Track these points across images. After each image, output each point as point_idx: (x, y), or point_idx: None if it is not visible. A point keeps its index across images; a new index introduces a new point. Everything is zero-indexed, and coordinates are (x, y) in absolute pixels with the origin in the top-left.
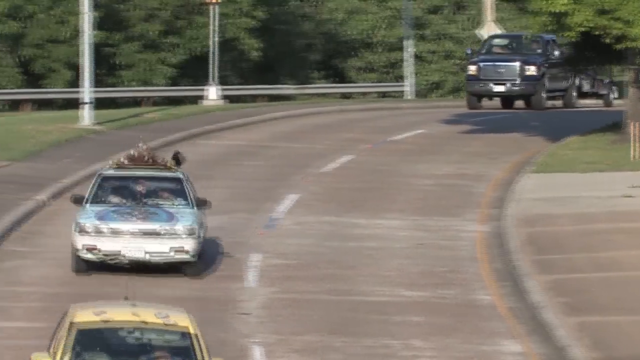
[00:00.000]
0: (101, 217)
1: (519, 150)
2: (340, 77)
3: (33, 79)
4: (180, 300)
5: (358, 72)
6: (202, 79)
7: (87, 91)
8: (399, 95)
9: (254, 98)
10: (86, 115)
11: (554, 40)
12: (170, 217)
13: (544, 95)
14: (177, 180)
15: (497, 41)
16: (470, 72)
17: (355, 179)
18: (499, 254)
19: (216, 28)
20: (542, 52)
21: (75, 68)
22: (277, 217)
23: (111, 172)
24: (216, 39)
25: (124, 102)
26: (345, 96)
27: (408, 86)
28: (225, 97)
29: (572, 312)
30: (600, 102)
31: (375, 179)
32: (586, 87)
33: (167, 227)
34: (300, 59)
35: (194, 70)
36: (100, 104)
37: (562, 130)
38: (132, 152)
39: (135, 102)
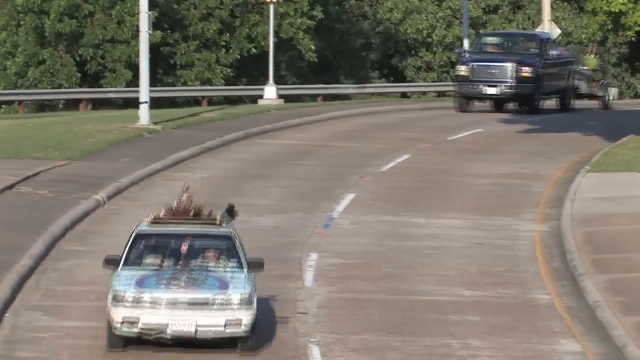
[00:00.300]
0: (140, 284)
1: (577, 150)
2: (398, 76)
3: (91, 79)
4: None
5: (417, 72)
6: (257, 79)
7: (145, 90)
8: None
9: (312, 97)
10: (144, 115)
11: (549, 39)
12: (223, 284)
13: (539, 97)
14: (228, 238)
15: (489, 40)
16: (461, 73)
17: (414, 178)
18: (557, 253)
19: (273, 27)
20: (537, 52)
21: (134, 68)
22: (336, 217)
23: (148, 228)
24: (274, 38)
25: (182, 102)
26: (404, 95)
27: None
28: (283, 97)
29: (629, 312)
30: (597, 103)
31: (434, 178)
32: (583, 88)
33: (221, 296)
34: (358, 58)
35: (249, 70)
36: (159, 103)
37: (620, 130)
38: (174, 203)
39: (194, 102)
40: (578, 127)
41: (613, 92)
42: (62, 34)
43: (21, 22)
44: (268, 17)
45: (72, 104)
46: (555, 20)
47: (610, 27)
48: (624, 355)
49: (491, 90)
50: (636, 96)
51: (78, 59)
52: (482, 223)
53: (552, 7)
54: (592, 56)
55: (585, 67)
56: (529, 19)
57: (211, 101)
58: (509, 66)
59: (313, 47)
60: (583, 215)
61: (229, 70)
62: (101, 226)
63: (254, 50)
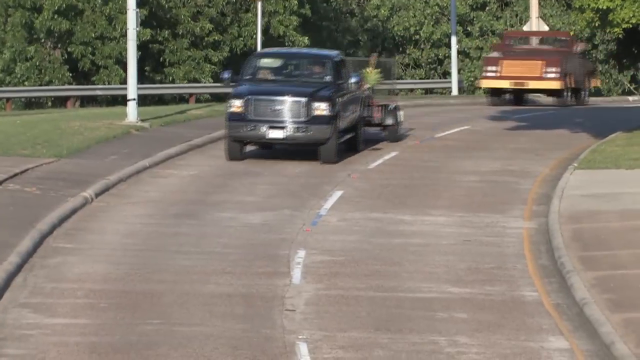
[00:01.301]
0: None
1: (564, 147)
2: None
3: (81, 76)
4: (226, 296)
5: (404, 69)
6: None
7: (132, 88)
8: (446, 91)
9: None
10: (132, 112)
11: (343, 61)
12: None
13: (337, 141)
14: None
15: (266, 62)
16: (234, 109)
17: (402, 175)
18: (545, 250)
19: (261, 25)
20: (332, 79)
21: (124, 65)
22: (323, 214)
23: None
24: (262, 35)
25: (170, 99)
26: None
27: (454, 82)
28: None
29: (617, 309)
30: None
31: (422, 175)
32: (376, 118)
33: None
34: (346, 56)
35: (237, 67)
36: (147, 100)
37: (608, 127)
38: None
39: (182, 99)
40: (566, 124)
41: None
42: (53, 31)
43: (9, 18)
44: (257, 15)
45: (60, 102)
46: (543, 17)
47: (597, 24)
48: (612, 352)
49: (275, 134)
50: (624, 93)
51: (66, 56)
52: (469, 220)
53: (539, 4)
54: (371, 69)
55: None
56: (516, 15)
57: (199, 98)
58: (300, 101)
59: (307, 42)
60: (571, 213)
61: (218, 68)
62: (89, 223)
63: (244, 49)
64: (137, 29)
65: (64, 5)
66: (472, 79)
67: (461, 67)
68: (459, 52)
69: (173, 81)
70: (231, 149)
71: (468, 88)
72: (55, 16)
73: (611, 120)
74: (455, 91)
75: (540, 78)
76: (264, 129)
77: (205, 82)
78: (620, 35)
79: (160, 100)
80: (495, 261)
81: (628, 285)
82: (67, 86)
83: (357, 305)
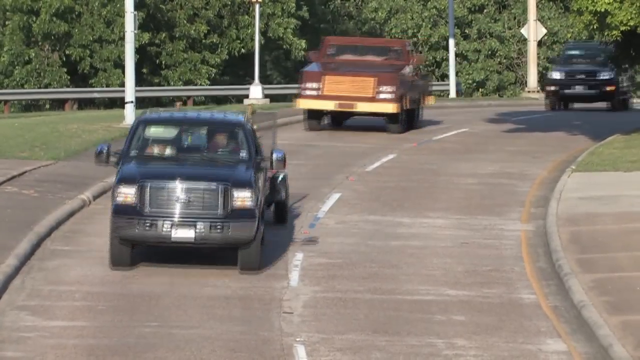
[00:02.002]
0: None
1: (562, 149)
2: None
3: (79, 79)
4: (223, 299)
5: None
6: (243, 78)
7: (130, 90)
8: (443, 94)
9: (297, 97)
10: (129, 115)
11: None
12: None
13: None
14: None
15: (158, 131)
16: (121, 199)
17: (400, 177)
18: (543, 253)
19: (259, 27)
20: (248, 155)
21: (123, 68)
22: (321, 216)
23: None
24: (259, 38)
25: (168, 101)
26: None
27: (452, 85)
28: (268, 96)
29: (615, 311)
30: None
31: (419, 177)
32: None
33: None
34: None
35: (235, 69)
36: (145, 103)
37: (605, 129)
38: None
39: (180, 101)
40: (564, 126)
41: None
42: (51, 34)
43: (7, 22)
44: (255, 17)
45: (58, 104)
46: (541, 20)
47: (595, 26)
48: (610, 354)
49: (183, 234)
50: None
51: (65, 59)
52: (467, 223)
53: (537, 6)
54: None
55: None
56: (514, 18)
57: (196, 101)
58: (215, 189)
59: (304, 45)
60: (569, 215)
61: (213, 70)
62: (87, 226)
63: (242, 51)
64: (135, 31)
65: (62, 8)
66: (470, 81)
67: (459, 70)
68: (456, 55)
69: (169, 84)
70: (118, 254)
71: (466, 90)
72: (54, 19)
73: (609, 123)
74: (453, 94)
75: (372, 99)
76: (166, 226)
77: (202, 85)
78: (618, 38)
79: (158, 102)
80: (493, 264)
81: (626, 287)
82: (65, 89)
83: (354, 307)
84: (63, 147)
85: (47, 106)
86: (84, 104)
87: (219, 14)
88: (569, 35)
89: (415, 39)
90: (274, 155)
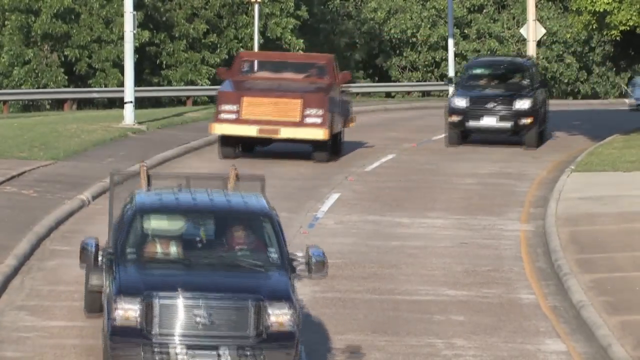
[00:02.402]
0: None
1: (561, 149)
2: (383, 76)
3: (78, 79)
4: None
5: (401, 71)
6: None
7: (129, 90)
8: (443, 94)
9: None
10: (129, 115)
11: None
12: None
13: None
14: None
15: (162, 223)
16: (121, 320)
17: (399, 178)
18: (542, 253)
19: (258, 27)
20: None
21: (122, 68)
22: (320, 217)
23: None
24: (258, 38)
25: (167, 101)
26: (389, 95)
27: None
28: None
29: (614, 311)
30: None
31: (419, 178)
32: None
33: None
34: (343, 58)
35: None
36: (145, 103)
37: (605, 130)
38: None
39: (179, 101)
40: (563, 126)
41: None
42: (51, 35)
43: (6, 22)
44: (254, 17)
45: (58, 104)
46: (540, 19)
47: (594, 26)
48: (609, 354)
49: None
50: (621, 95)
51: (63, 59)
52: (467, 223)
53: (536, 6)
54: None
55: None
56: (513, 18)
57: (196, 101)
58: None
59: (303, 46)
60: (568, 215)
61: (213, 70)
62: (86, 226)
63: (241, 51)
64: (134, 31)
65: (62, 8)
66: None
67: (458, 70)
68: (455, 55)
69: (170, 83)
70: None
71: None
72: (53, 19)
73: (608, 123)
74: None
75: (299, 124)
76: (181, 353)
77: (202, 85)
78: (617, 38)
79: (157, 102)
80: (492, 264)
81: (625, 287)
82: (64, 89)
83: (354, 307)
84: (62, 147)
85: (47, 106)
86: (83, 104)
87: (218, 14)
88: (568, 35)
89: (414, 39)
90: (312, 257)
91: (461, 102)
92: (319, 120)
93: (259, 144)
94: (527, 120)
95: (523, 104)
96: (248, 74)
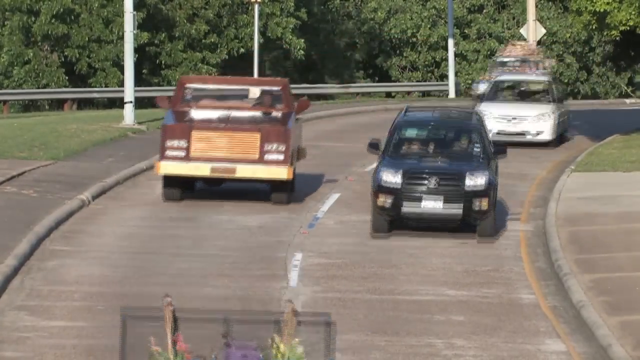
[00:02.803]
0: None
1: (561, 149)
2: (383, 76)
3: (78, 79)
4: (223, 299)
5: (401, 71)
6: None
7: (129, 90)
8: (443, 94)
9: (296, 97)
10: (128, 115)
11: None
12: None
13: None
14: None
15: None
16: None
17: None
18: (542, 253)
19: (259, 27)
20: None
21: (122, 68)
22: (320, 216)
23: None
24: (258, 38)
25: None
26: (389, 95)
27: (451, 85)
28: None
29: (614, 311)
30: None
31: None
32: None
33: None
34: (343, 58)
35: (234, 69)
36: (145, 103)
37: (605, 130)
38: None
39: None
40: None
41: None
42: (51, 35)
43: (6, 22)
44: (254, 17)
45: (57, 104)
46: (540, 19)
47: (594, 26)
48: (609, 355)
49: None
50: (621, 96)
51: (63, 59)
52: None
53: (536, 6)
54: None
55: None
56: (513, 18)
57: None
58: None
59: (303, 45)
60: (568, 215)
61: (214, 70)
62: (86, 226)
63: (241, 50)
64: (134, 31)
65: (62, 9)
66: (470, 81)
67: (458, 70)
68: (456, 55)
69: (170, 83)
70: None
71: (465, 91)
72: (53, 20)
73: (608, 123)
74: (452, 94)
75: (258, 161)
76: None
77: None
78: (617, 38)
79: None
80: (492, 264)
81: (625, 287)
82: (64, 89)
83: (354, 307)
84: (62, 147)
85: (46, 106)
86: (83, 104)
87: (218, 14)
88: (568, 35)
89: (414, 39)
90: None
91: (390, 177)
92: (280, 157)
93: (208, 184)
94: (481, 205)
95: (478, 179)
96: (192, 103)
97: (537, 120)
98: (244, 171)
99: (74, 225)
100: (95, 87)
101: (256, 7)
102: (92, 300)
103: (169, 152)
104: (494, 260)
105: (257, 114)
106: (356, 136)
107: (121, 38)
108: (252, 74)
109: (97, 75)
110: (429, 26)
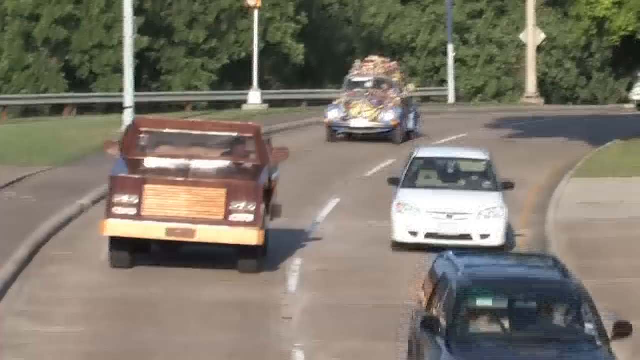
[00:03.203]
0: None
1: (560, 156)
2: None
3: (78, 85)
4: (222, 305)
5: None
6: (242, 84)
7: (128, 97)
8: (442, 100)
9: (296, 103)
10: (128, 121)
11: None
12: None
13: None
14: None
15: None
16: None
17: None
18: None
19: (258, 33)
20: None
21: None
22: (320, 223)
23: None
24: (258, 44)
25: (167, 107)
26: None
27: (450, 91)
28: (266, 103)
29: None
30: None
31: None
32: None
33: None
34: (342, 64)
35: (234, 76)
36: (144, 109)
37: (604, 136)
38: None
39: (179, 108)
40: (562, 133)
41: None
42: (51, 41)
43: (6, 28)
44: (253, 23)
45: (57, 110)
46: (539, 26)
47: (594, 33)
48: None
49: None
50: (619, 102)
51: (63, 65)
52: None
53: (536, 13)
54: None
55: None
56: (512, 25)
57: (195, 107)
58: None
59: (302, 51)
60: (567, 222)
61: (214, 76)
62: (85, 232)
63: (241, 56)
64: (134, 38)
65: (62, 15)
66: (469, 87)
67: (457, 76)
68: (455, 61)
69: (169, 89)
70: None
71: (464, 97)
72: (53, 25)
73: (607, 130)
74: (451, 100)
75: (224, 222)
76: None
77: (201, 91)
78: (616, 44)
79: (156, 108)
80: None
81: (624, 294)
82: (63, 95)
83: (353, 314)
84: (61, 154)
85: (46, 112)
86: (83, 110)
87: (217, 20)
88: (567, 42)
89: (413, 45)
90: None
91: None
92: (250, 218)
93: (165, 247)
94: None
95: None
96: (148, 150)
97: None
98: (207, 233)
99: (72, 231)
100: (96, 92)
101: (255, 13)
102: (91, 306)
103: (117, 209)
104: None
105: (225, 164)
106: (355, 142)
107: (121, 44)
108: (251, 80)
109: (98, 81)
110: (428, 32)
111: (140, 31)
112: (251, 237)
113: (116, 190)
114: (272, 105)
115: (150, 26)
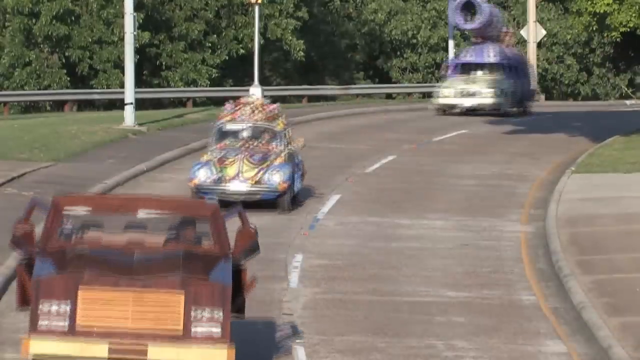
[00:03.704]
0: None
1: (562, 151)
2: (383, 77)
3: (79, 80)
4: None
5: (402, 73)
6: (243, 80)
7: (130, 92)
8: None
9: (297, 99)
10: (129, 116)
11: None
12: None
13: None
14: None
15: None
16: None
17: (399, 179)
18: (543, 254)
19: (259, 28)
20: None
21: (122, 69)
22: (321, 218)
23: None
24: (259, 39)
25: (168, 103)
26: (389, 96)
27: None
28: (268, 98)
29: (614, 313)
30: None
31: (419, 179)
32: None
33: None
34: (343, 60)
35: (234, 71)
36: (145, 104)
37: (605, 131)
38: None
39: (179, 103)
40: (563, 128)
41: None
42: (51, 37)
43: (7, 24)
44: (254, 18)
45: (58, 106)
46: (541, 21)
47: (595, 27)
48: (610, 356)
49: None
50: (621, 97)
51: (64, 60)
52: (467, 224)
53: (537, 8)
54: None
55: None
56: (514, 19)
57: (196, 102)
58: None
59: (303, 47)
60: (568, 216)
61: (214, 71)
62: None
63: (241, 51)
64: (134, 32)
65: (62, 10)
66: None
67: None
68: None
69: (170, 84)
70: None
71: None
72: (53, 21)
73: (608, 124)
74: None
75: (183, 337)
76: None
77: (202, 86)
78: (617, 39)
79: (157, 104)
80: (492, 265)
81: (625, 289)
82: (64, 90)
83: (354, 309)
84: (63, 149)
85: (47, 108)
86: (84, 105)
87: (217, 15)
88: (568, 37)
89: (414, 40)
90: None
91: None
92: (216, 331)
93: None
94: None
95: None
96: (76, 238)
97: None
98: (160, 354)
99: None
100: (97, 88)
101: (256, 8)
102: None
103: (43, 323)
104: (495, 261)
105: (176, 257)
106: (356, 138)
107: (122, 39)
108: (252, 76)
109: (99, 77)
110: (429, 27)
111: (141, 26)
112: (218, 356)
113: (41, 296)
114: (273, 100)
115: (150, 20)
